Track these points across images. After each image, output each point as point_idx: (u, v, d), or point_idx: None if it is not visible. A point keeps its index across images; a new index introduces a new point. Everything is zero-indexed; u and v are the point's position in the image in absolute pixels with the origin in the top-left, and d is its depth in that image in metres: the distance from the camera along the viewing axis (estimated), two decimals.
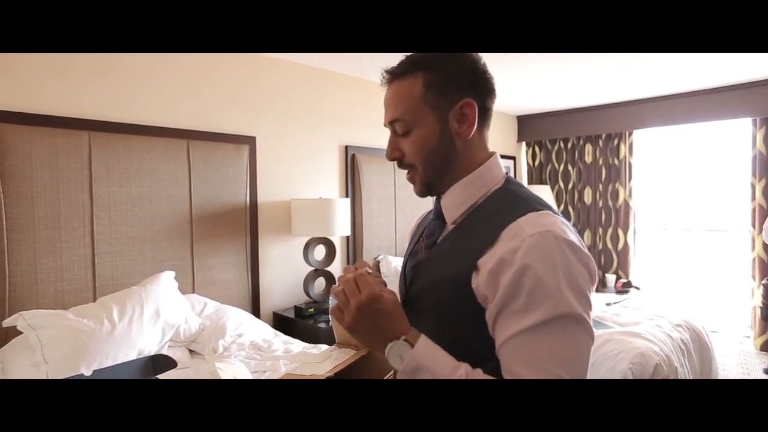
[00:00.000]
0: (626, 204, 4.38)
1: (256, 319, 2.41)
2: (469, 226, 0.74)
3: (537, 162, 5.03)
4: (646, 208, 4.59)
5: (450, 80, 0.73)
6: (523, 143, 5.11)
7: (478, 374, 0.65)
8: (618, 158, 4.41)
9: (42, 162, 1.96)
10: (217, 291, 2.53)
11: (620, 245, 4.43)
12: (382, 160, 3.33)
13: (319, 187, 3.10)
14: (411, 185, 0.81)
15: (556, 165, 4.87)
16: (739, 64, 3.16)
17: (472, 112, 0.74)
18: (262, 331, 2.28)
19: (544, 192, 4.55)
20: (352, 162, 3.27)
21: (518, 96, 4.07)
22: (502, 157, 4.72)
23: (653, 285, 4.55)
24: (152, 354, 1.92)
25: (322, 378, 0.86)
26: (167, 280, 2.15)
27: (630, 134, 4.35)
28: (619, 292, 4.11)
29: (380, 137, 3.44)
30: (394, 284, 0.81)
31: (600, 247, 4.56)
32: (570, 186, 4.79)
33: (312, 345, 2.16)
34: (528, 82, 3.60)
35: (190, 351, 2.09)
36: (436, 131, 0.74)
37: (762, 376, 3.25)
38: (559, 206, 4.81)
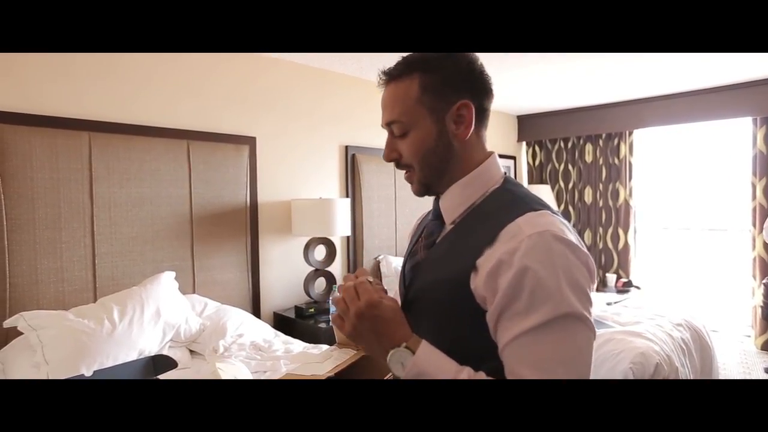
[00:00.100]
0: (626, 203, 4.38)
1: (257, 319, 2.42)
2: (468, 227, 0.74)
3: (537, 162, 5.02)
4: (647, 207, 4.59)
5: (446, 82, 0.73)
6: (524, 143, 5.11)
7: (481, 377, 0.65)
8: (618, 158, 4.40)
9: (42, 162, 1.96)
10: (217, 291, 2.53)
11: (620, 245, 4.42)
12: (382, 160, 3.32)
13: (320, 187, 3.10)
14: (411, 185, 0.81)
15: (557, 164, 4.87)
16: (739, 63, 3.16)
17: (469, 113, 0.74)
18: (262, 331, 2.28)
19: (544, 192, 4.54)
20: (352, 162, 3.27)
21: (518, 96, 4.07)
22: (503, 156, 4.72)
23: (654, 284, 4.54)
24: (153, 354, 1.92)
25: (323, 378, 0.86)
26: (168, 280, 2.15)
27: (630, 134, 4.34)
28: (619, 291, 4.10)
29: (380, 137, 3.44)
30: (394, 284, 0.81)
31: (600, 246, 4.56)
32: (570, 186, 4.79)
33: (312, 345, 2.16)
34: (528, 82, 3.60)
35: (191, 351, 2.09)
36: (433, 133, 0.74)
37: (763, 376, 3.25)
38: (559, 206, 4.81)
